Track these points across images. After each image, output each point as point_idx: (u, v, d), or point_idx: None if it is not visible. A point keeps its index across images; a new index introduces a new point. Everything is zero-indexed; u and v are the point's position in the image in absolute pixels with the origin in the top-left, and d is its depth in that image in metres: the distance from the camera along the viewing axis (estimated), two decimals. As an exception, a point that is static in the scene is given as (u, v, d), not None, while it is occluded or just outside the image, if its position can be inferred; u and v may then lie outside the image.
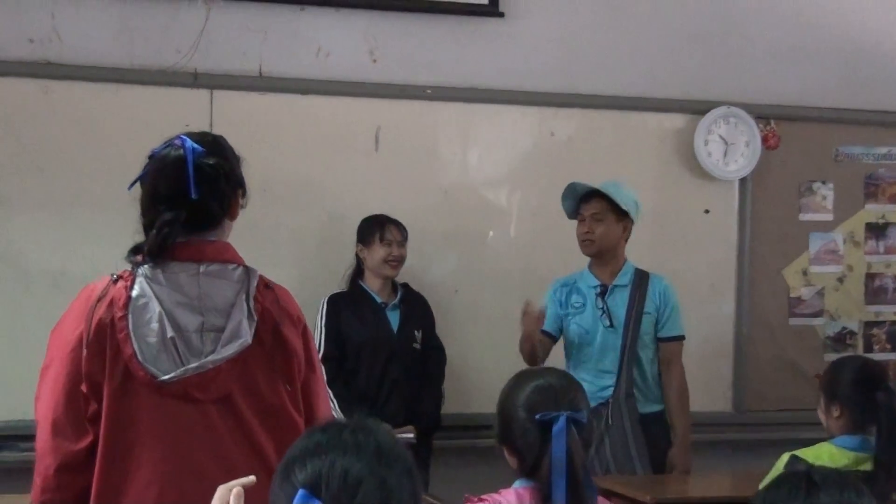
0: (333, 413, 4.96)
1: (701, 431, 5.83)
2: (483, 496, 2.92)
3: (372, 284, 5.29)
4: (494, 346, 5.70)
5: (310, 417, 2.89)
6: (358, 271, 5.34)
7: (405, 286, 5.39)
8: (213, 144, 2.90)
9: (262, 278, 2.87)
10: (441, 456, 5.42)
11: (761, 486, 4.03)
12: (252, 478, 2.08)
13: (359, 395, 5.15)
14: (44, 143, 5.20)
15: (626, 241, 5.20)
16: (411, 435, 5.10)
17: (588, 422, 2.90)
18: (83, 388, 2.74)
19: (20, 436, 5.07)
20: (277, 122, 5.47)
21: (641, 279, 5.17)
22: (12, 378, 5.11)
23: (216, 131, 5.13)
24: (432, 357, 5.37)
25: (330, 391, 4.95)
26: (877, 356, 6.28)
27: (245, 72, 5.42)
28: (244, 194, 2.95)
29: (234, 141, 5.21)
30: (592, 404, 4.92)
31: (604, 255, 5.15)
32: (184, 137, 2.85)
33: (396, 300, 5.31)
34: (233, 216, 2.91)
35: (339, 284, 5.35)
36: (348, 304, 5.24)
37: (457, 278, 5.74)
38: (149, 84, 5.31)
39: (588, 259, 5.25)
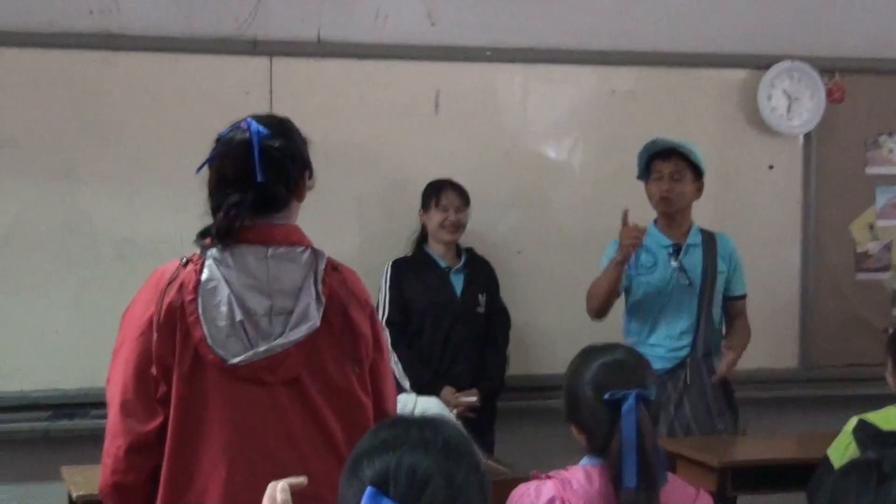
0: (397, 378, 5.02)
1: (767, 389, 5.84)
2: (551, 473, 2.90)
3: (436, 249, 5.29)
4: (558, 308, 5.71)
5: (377, 400, 2.89)
6: (422, 236, 5.34)
7: (469, 251, 5.38)
8: (279, 126, 2.89)
9: (329, 260, 2.86)
10: (505, 418, 5.44)
11: (829, 450, 4.05)
12: (303, 479, 2.07)
13: (423, 358, 5.16)
14: (106, 114, 5.22)
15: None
16: (474, 398, 5.12)
17: (656, 398, 2.87)
18: (153, 370, 2.75)
19: (90, 403, 5.13)
20: (337, 88, 5.45)
21: (710, 238, 5.15)
22: (81, 347, 5.17)
23: (276, 99, 5.32)
24: (497, 320, 5.36)
25: (394, 354, 4.99)
26: (944, 309, 6.23)
27: (304, 38, 5.40)
28: (311, 176, 2.94)
29: (293, 108, 5.26)
30: (668, 365, 4.99)
31: (676, 215, 5.11)
32: (250, 120, 2.85)
33: (461, 264, 5.31)
34: (300, 198, 2.91)
35: (402, 250, 5.35)
36: (412, 269, 5.25)
37: (520, 239, 5.72)
38: (208, 53, 5.31)
39: (650, 217, 5.19)
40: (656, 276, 5.10)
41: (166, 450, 2.77)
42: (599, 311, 5.09)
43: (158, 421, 2.76)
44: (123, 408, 2.78)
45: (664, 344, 5.04)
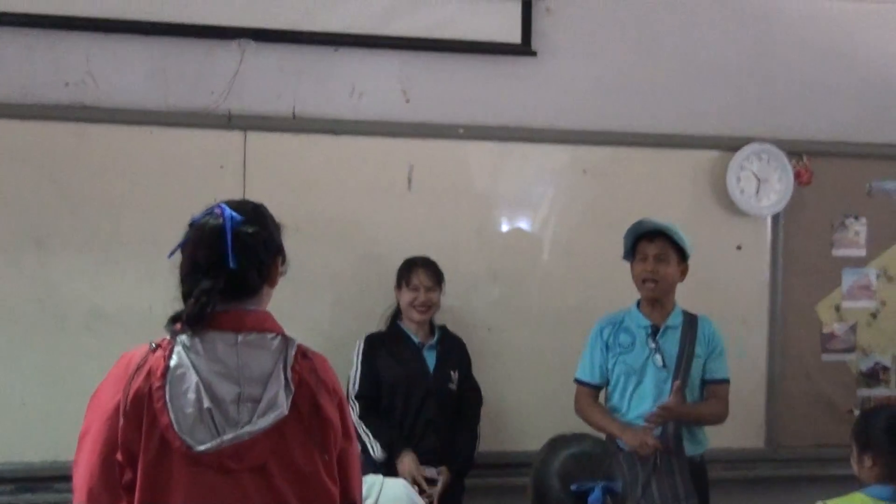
0: (367, 445, 4.98)
1: (734, 468, 5.83)
2: None
3: (409, 325, 5.28)
4: (528, 385, 5.71)
5: (345, 487, 2.88)
6: (397, 312, 5.33)
7: (443, 328, 5.37)
8: (253, 213, 2.88)
9: (300, 347, 2.85)
10: (474, 494, 5.40)
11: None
12: None
13: (391, 423, 5.13)
14: (79, 185, 5.21)
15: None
16: (436, 472, 5.06)
17: (623, 490, 2.86)
18: (118, 456, 2.73)
19: (55, 476, 5.10)
20: (311, 162, 5.46)
21: (691, 321, 5.14)
22: (47, 419, 5.14)
23: (249, 173, 5.32)
24: (469, 398, 5.34)
25: (362, 424, 4.97)
26: (911, 392, 6.26)
27: (279, 113, 5.42)
28: (284, 261, 2.93)
29: (267, 182, 5.34)
30: (629, 449, 4.96)
31: (660, 297, 5.13)
32: (223, 206, 2.84)
33: (434, 341, 5.29)
34: (272, 284, 2.91)
35: (376, 323, 5.34)
36: (385, 344, 5.23)
37: (491, 316, 5.72)
38: (183, 126, 5.31)
39: (629, 295, 5.20)
40: (632, 355, 5.10)
41: None
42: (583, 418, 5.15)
43: None
44: (90, 494, 2.76)
45: (637, 423, 5.03)
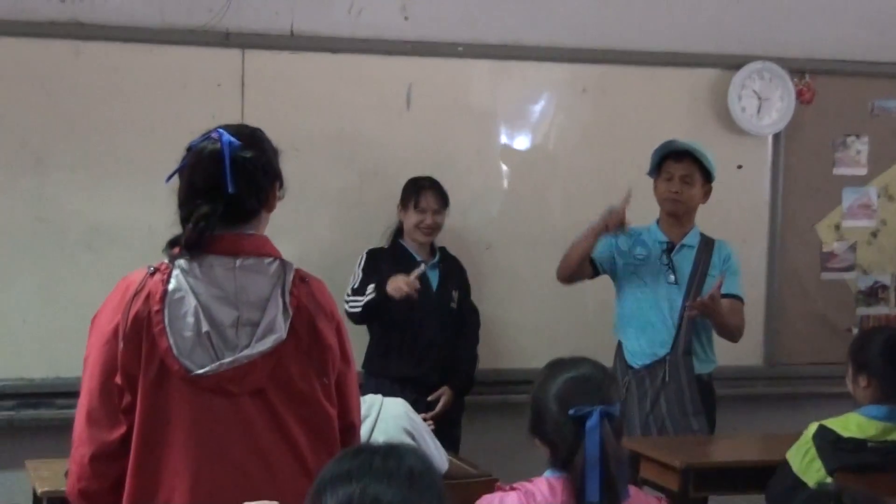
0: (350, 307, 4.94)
1: (732, 386, 5.84)
2: (515, 485, 2.89)
3: (411, 244, 5.26)
4: (526, 303, 5.73)
5: (343, 411, 2.88)
6: (399, 230, 5.30)
7: (442, 250, 5.35)
8: (251, 137, 2.85)
9: (298, 272, 2.83)
10: (473, 412, 5.43)
11: (788, 454, 4.06)
12: None
13: (394, 350, 5.15)
14: (76, 103, 5.16)
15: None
16: (422, 267, 5.05)
17: (621, 414, 2.87)
18: (118, 380, 2.73)
19: (57, 393, 5.11)
20: (309, 81, 5.41)
21: (708, 243, 5.15)
22: (47, 336, 5.15)
23: (247, 91, 5.29)
24: (469, 318, 5.35)
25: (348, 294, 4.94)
26: (909, 310, 6.27)
27: (277, 31, 5.36)
28: (281, 186, 2.90)
29: (265, 100, 5.30)
30: (647, 361, 5.03)
31: (681, 216, 5.11)
32: (221, 130, 2.80)
33: (435, 260, 5.27)
34: (270, 208, 2.88)
35: (375, 242, 5.31)
36: (388, 260, 5.20)
37: (489, 234, 5.70)
38: (180, 44, 5.25)
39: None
40: (644, 269, 5.11)
41: (130, 459, 2.74)
42: (567, 278, 5.16)
43: (122, 430, 2.73)
44: (89, 416, 2.75)
45: (646, 339, 5.05)
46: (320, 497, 1.92)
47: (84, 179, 5.19)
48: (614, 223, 4.92)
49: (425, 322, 5.18)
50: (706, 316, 4.99)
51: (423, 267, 5.04)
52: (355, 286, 5.12)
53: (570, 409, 2.81)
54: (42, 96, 5.13)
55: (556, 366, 2.95)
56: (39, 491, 4.07)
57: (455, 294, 5.28)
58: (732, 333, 5.17)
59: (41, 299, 5.17)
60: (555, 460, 2.87)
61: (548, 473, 2.89)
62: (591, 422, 2.77)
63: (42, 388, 5.16)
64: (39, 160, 5.14)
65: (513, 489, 2.88)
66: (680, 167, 5.05)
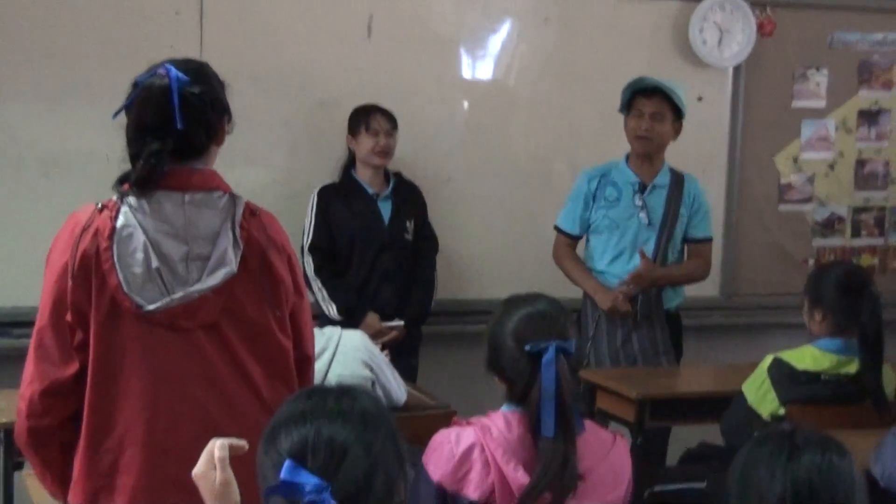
0: (323, 306, 4.96)
1: (689, 317, 5.81)
2: (471, 420, 2.90)
3: (363, 175, 5.19)
4: (486, 234, 5.69)
5: (298, 343, 2.86)
6: (350, 162, 5.23)
7: (398, 175, 5.29)
8: (198, 72, 2.79)
9: (248, 205, 2.79)
10: (430, 342, 5.39)
11: (744, 385, 4.07)
12: (244, 443, 2.07)
13: (349, 284, 5.10)
14: (31, 31, 5.02)
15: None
16: (401, 323, 5.06)
17: (578, 349, 2.86)
18: (68, 317, 2.69)
19: (13, 322, 5.03)
20: (269, 10, 5.29)
21: (678, 180, 5.12)
22: (3, 266, 5.06)
23: (207, 18, 5.18)
24: (423, 247, 5.29)
25: (318, 280, 4.92)
26: (864, 241, 6.28)
27: (236, -43, 5.25)
28: (230, 120, 2.86)
29: (224, 29, 5.19)
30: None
31: (651, 154, 5.06)
32: (168, 66, 2.75)
33: (388, 191, 5.21)
34: (219, 142, 2.84)
35: (331, 174, 5.26)
36: (339, 196, 5.15)
37: (450, 166, 5.64)
38: (138, -31, 5.14)
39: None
40: (617, 210, 5.08)
41: (87, 396, 2.72)
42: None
43: (74, 367, 2.71)
44: (38, 353, 2.73)
45: (618, 277, 5.03)
46: (275, 438, 1.94)
47: (40, 108, 5.07)
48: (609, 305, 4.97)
49: (380, 255, 5.13)
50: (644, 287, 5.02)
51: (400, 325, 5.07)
52: (310, 238, 5.08)
53: (526, 345, 2.81)
54: (-3, 23, 5.01)
55: (512, 302, 2.95)
56: (-2, 423, 4.01)
57: (409, 225, 5.23)
58: (693, 281, 5.23)
59: (-2, 228, 5.09)
60: (511, 395, 2.89)
61: (504, 408, 2.91)
62: (547, 357, 2.78)
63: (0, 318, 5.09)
64: (-6, 88, 5.03)
65: (469, 424, 2.90)
66: (650, 104, 5.00)
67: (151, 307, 2.68)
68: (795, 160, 6.13)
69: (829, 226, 6.23)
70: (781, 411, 3.99)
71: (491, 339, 2.92)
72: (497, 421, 2.86)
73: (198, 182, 2.75)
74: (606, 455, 2.90)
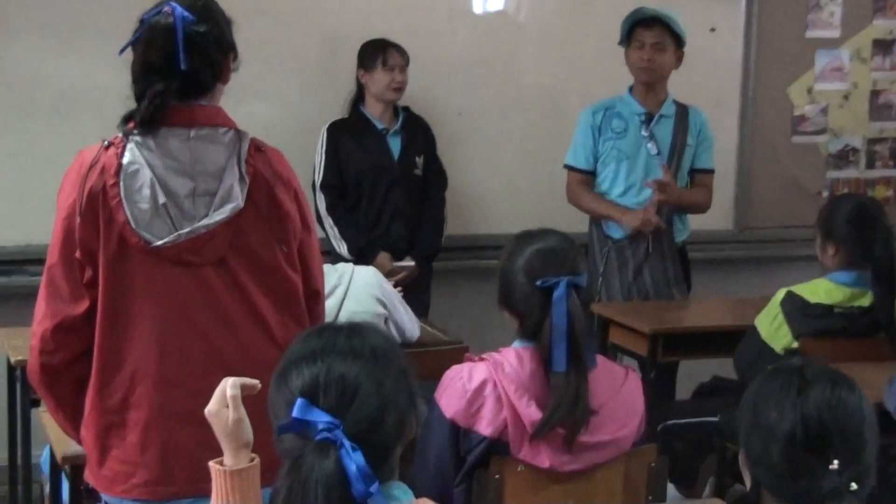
0: (334, 243, 4.95)
1: (703, 250, 5.81)
2: (483, 355, 2.89)
3: (373, 110, 5.15)
4: (497, 169, 5.67)
5: (306, 278, 2.85)
6: (359, 96, 5.18)
7: (406, 110, 5.25)
8: (203, 10, 2.76)
9: (253, 140, 2.78)
10: (441, 277, 5.39)
11: (756, 319, 4.05)
12: (256, 382, 2.08)
13: (360, 222, 5.08)
14: (42, -35, 5.01)
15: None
16: (412, 263, 5.05)
17: (589, 284, 2.86)
18: (77, 254, 2.69)
19: (29, 260, 5.03)
20: (278, -57, 5.25)
21: (683, 112, 5.10)
22: (18, 203, 5.06)
23: (212, -51, 5.09)
24: (433, 182, 5.26)
25: (329, 217, 4.90)
26: (878, 172, 6.23)
27: None
28: (235, 58, 2.83)
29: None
30: (629, 231, 4.97)
31: (654, 84, 5.03)
32: (173, 4, 2.72)
33: (398, 126, 5.17)
34: (225, 80, 2.81)
35: (341, 107, 5.22)
36: (348, 132, 5.11)
37: (460, 100, 5.60)
38: None
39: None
40: (625, 141, 5.05)
41: (96, 333, 2.72)
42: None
43: (85, 304, 2.71)
44: (49, 290, 2.73)
45: (630, 206, 5.01)
46: (286, 377, 1.95)
47: (51, 44, 5.05)
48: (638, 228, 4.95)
49: (390, 192, 5.11)
50: (667, 203, 4.97)
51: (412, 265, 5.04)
52: (321, 175, 5.05)
53: (537, 281, 2.79)
54: (6, -40, 4.97)
55: (523, 238, 2.94)
56: (13, 360, 4.04)
57: (419, 160, 5.19)
58: (700, 210, 5.20)
59: (11, 167, 5.07)
60: (523, 331, 2.88)
61: (516, 344, 2.90)
62: (559, 292, 2.77)
63: (14, 256, 5.09)
64: (5, 25, 4.99)
65: (481, 360, 2.90)
66: (650, 34, 4.96)
67: (159, 243, 2.67)
68: (809, 91, 6.07)
69: (844, 157, 6.18)
70: (795, 345, 3.98)
71: (502, 274, 2.90)
72: (509, 356, 2.86)
73: (203, 118, 2.73)
74: (619, 390, 2.90)
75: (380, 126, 5.14)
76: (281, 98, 5.31)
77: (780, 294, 4.07)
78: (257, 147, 2.78)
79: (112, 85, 4.79)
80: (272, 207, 2.75)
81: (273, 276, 2.77)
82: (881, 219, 4.04)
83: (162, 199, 2.66)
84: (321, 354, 1.92)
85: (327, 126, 5.13)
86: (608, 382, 2.88)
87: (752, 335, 4.09)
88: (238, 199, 2.70)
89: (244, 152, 2.73)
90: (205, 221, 2.69)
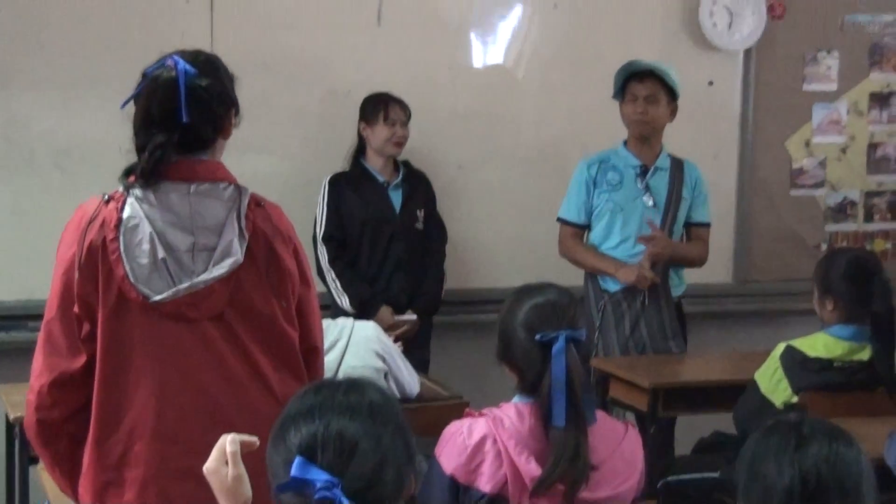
0: (336, 297, 4.96)
1: (702, 304, 5.83)
2: (483, 411, 2.89)
3: (374, 163, 5.17)
4: (496, 222, 5.70)
5: (305, 333, 2.85)
6: (360, 149, 5.20)
7: (406, 164, 5.27)
8: (206, 64, 2.78)
9: (253, 196, 2.79)
10: (441, 331, 5.38)
11: (756, 374, 4.05)
12: (255, 440, 2.07)
13: (362, 275, 5.09)
14: (44, 21, 5.02)
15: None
16: (414, 317, 5.05)
17: (587, 338, 2.86)
18: (75, 309, 2.70)
19: (28, 315, 5.03)
20: (278, -4, 5.30)
21: (678, 164, 5.11)
22: (17, 259, 5.07)
23: (216, 7, 5.15)
24: (434, 236, 5.28)
25: (332, 271, 4.91)
26: (877, 226, 6.25)
27: (246, -54, 5.24)
28: (237, 113, 2.85)
29: (234, 17, 5.18)
30: (625, 285, 4.96)
31: (649, 137, 5.05)
32: (177, 58, 2.74)
33: (398, 179, 5.19)
34: (226, 136, 2.83)
35: (342, 162, 5.24)
36: (350, 184, 5.13)
37: (461, 153, 5.62)
38: (148, -41, 5.12)
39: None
40: (620, 194, 5.07)
41: (95, 389, 2.72)
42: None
43: (83, 359, 2.71)
44: (47, 345, 2.74)
45: (624, 261, 5.02)
46: (285, 434, 1.95)
47: (52, 98, 5.08)
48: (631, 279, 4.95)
49: (391, 245, 5.12)
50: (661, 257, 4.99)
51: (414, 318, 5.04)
52: (323, 228, 5.06)
53: (536, 335, 2.80)
54: (8, 14, 4.99)
55: (523, 292, 2.94)
56: (12, 416, 4.04)
57: (420, 213, 5.21)
58: (696, 264, 5.21)
59: (11, 222, 5.08)
60: (523, 386, 2.88)
61: (516, 399, 2.90)
62: (557, 346, 2.78)
63: (14, 311, 5.09)
64: (6, 79, 5.02)
65: (481, 415, 2.89)
66: (643, 87, 4.99)
67: (158, 298, 2.67)
68: (807, 144, 6.10)
69: (842, 210, 6.19)
70: (794, 399, 3.98)
71: (501, 329, 2.91)
72: (509, 412, 2.85)
73: (203, 173, 2.74)
74: (619, 445, 2.89)
75: (381, 179, 5.16)
76: (282, 152, 5.33)
77: (780, 348, 4.08)
78: (257, 202, 2.79)
79: (112, 141, 4.90)
80: (271, 262, 2.76)
81: (271, 331, 2.78)
82: (879, 273, 4.06)
83: (161, 253, 2.67)
84: (319, 411, 1.92)
85: (328, 179, 5.15)
86: (608, 438, 2.88)
87: (753, 389, 4.10)
88: (238, 254, 2.71)
89: (244, 207, 2.75)
90: (204, 276, 2.70)
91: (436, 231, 5.29)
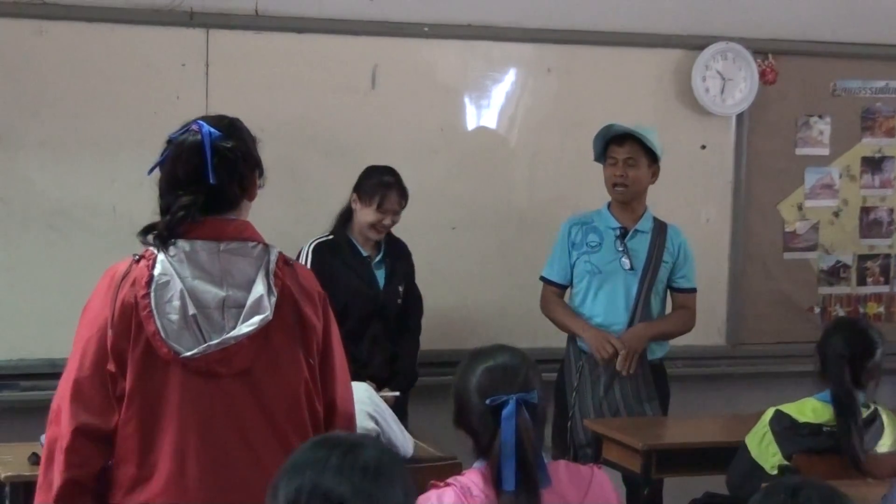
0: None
1: (695, 366, 5.97)
2: (449, 480, 2.91)
3: (357, 235, 5.17)
4: (488, 283, 5.84)
5: (330, 392, 2.98)
6: (346, 215, 5.20)
7: (387, 235, 5.24)
8: (230, 128, 2.96)
9: (281, 255, 2.96)
10: (418, 394, 5.34)
11: (747, 437, 4.17)
12: None
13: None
14: (39, 83, 5.23)
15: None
16: (397, 393, 4.97)
17: (540, 400, 2.91)
18: (111, 367, 2.82)
19: (21, 375, 5.16)
20: (274, 61, 5.50)
21: (661, 228, 5.26)
22: (10, 318, 5.21)
23: (212, 71, 5.34)
24: (412, 312, 5.31)
25: None
26: (870, 289, 6.38)
27: (241, 10, 5.43)
28: (261, 174, 3.02)
29: (229, 80, 5.36)
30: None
31: (630, 200, 5.20)
32: (201, 122, 2.92)
33: (380, 256, 5.22)
34: (251, 197, 3.00)
35: (319, 227, 5.27)
36: (336, 254, 5.11)
37: (455, 215, 5.78)
38: (144, 23, 5.31)
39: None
40: (599, 255, 5.21)
41: (125, 443, 2.81)
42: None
43: (115, 418, 2.82)
44: (77, 404, 2.81)
45: (600, 323, 5.15)
46: (276, 486, 1.99)
47: (48, 160, 5.25)
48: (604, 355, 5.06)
49: (371, 320, 5.13)
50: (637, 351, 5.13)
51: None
52: None
53: (487, 399, 2.86)
54: (5, 76, 5.20)
55: (475, 356, 2.99)
56: (3, 476, 4.04)
57: (401, 289, 5.25)
58: (682, 332, 5.37)
59: (4, 281, 5.22)
60: (478, 450, 2.91)
61: (477, 464, 2.93)
62: (507, 410, 2.82)
63: (6, 371, 5.20)
64: (2, 139, 5.18)
65: (447, 485, 2.88)
66: (622, 150, 5.14)
67: (188, 354, 2.81)
68: (800, 208, 6.28)
69: (835, 274, 6.36)
70: (784, 463, 4.09)
71: (456, 393, 2.96)
72: (473, 477, 2.89)
73: (232, 232, 2.90)
74: (587, 491, 2.93)
75: (364, 253, 5.19)
76: (276, 213, 5.34)
77: (769, 413, 4.22)
78: (285, 261, 2.95)
79: (107, 202, 5.11)
80: (298, 320, 2.91)
81: (296, 388, 2.90)
82: (873, 350, 4.20)
83: (192, 310, 2.82)
84: (312, 467, 1.96)
85: (312, 246, 5.14)
86: (574, 486, 2.93)
87: (744, 452, 4.22)
88: (267, 311, 2.85)
89: (273, 265, 2.90)
90: (233, 333, 2.83)
91: (414, 306, 5.33)
